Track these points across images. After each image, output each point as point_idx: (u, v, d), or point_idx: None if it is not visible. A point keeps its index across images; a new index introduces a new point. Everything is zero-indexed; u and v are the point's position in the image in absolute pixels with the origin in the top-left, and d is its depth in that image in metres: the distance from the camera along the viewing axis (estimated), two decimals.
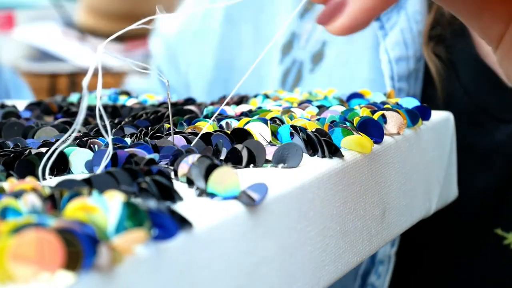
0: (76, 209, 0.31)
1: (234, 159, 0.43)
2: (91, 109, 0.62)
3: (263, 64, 0.76)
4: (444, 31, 0.70)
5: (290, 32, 0.76)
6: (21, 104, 0.65)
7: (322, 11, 0.41)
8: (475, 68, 0.68)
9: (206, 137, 0.46)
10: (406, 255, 0.69)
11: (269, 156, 0.44)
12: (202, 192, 0.38)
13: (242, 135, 0.47)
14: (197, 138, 0.46)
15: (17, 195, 0.32)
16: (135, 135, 0.49)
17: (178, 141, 0.47)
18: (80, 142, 0.46)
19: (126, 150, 0.43)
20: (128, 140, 0.48)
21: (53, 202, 0.32)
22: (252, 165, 0.43)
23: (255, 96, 0.64)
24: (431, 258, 0.70)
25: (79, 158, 0.44)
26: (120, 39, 2.03)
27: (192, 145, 0.46)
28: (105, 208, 0.30)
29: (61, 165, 0.44)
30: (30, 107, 0.64)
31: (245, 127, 0.48)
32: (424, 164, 0.55)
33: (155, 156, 0.44)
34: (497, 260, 0.67)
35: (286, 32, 0.76)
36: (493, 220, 0.66)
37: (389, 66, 0.65)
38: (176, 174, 0.41)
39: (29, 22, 2.35)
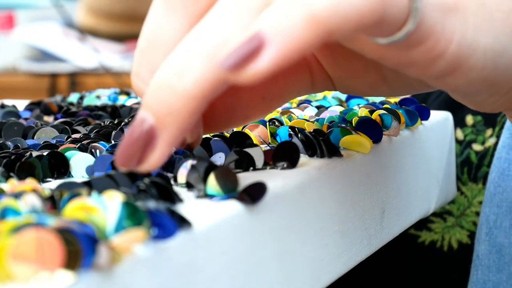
0: (75, 209, 0.31)
1: (234, 164, 0.43)
2: (91, 110, 0.62)
3: None
4: None
5: None
6: (21, 104, 0.65)
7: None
8: None
9: (205, 141, 0.46)
10: None
11: (268, 158, 0.44)
12: (201, 193, 0.38)
13: (241, 138, 0.47)
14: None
15: (17, 196, 0.33)
16: None
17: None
18: (81, 145, 0.46)
19: None
20: None
21: (53, 202, 0.33)
22: (251, 168, 0.43)
23: None
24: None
25: (80, 162, 0.44)
26: (120, 39, 2.03)
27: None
28: (104, 207, 0.30)
29: (62, 168, 0.44)
30: (30, 107, 0.64)
31: (244, 130, 0.48)
32: (423, 164, 0.55)
33: None
34: (415, 257, 0.73)
35: None
36: None
37: None
38: (175, 180, 0.41)
39: (29, 22, 2.35)
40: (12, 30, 2.33)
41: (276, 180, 0.40)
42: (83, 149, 0.46)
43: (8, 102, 0.67)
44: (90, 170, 0.44)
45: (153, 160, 0.35)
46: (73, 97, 0.69)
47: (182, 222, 0.33)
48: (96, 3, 2.15)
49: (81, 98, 0.69)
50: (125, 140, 0.35)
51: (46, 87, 2.17)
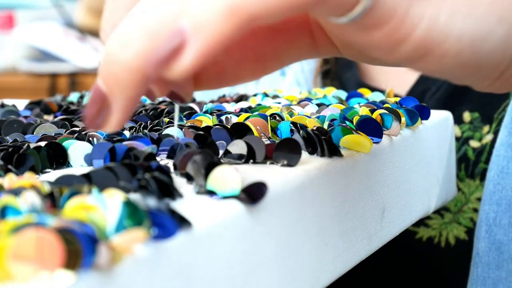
0: (75, 209, 0.31)
1: (234, 155, 0.43)
2: None
3: None
4: (332, 65, 0.80)
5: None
6: (20, 104, 0.65)
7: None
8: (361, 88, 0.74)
9: (206, 131, 0.46)
10: None
11: (268, 151, 0.44)
12: (202, 189, 0.38)
13: (241, 130, 0.47)
14: None
15: (17, 192, 0.33)
16: (134, 128, 0.49)
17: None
18: (79, 135, 0.46)
19: (125, 143, 0.43)
20: (127, 133, 0.48)
21: (53, 200, 0.33)
22: (251, 160, 0.43)
23: (255, 95, 0.64)
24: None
25: (78, 151, 0.44)
26: None
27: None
28: (104, 207, 0.30)
29: (60, 158, 0.44)
30: (29, 106, 0.64)
31: (245, 122, 0.48)
32: (423, 163, 0.55)
33: (154, 148, 0.44)
34: (412, 253, 0.74)
35: None
36: None
37: None
38: (175, 168, 0.41)
39: (29, 22, 2.35)
40: (12, 30, 2.33)
41: (276, 180, 0.40)
42: (80, 138, 0.46)
43: (8, 101, 0.67)
44: (88, 158, 0.44)
45: (113, 124, 0.37)
46: (73, 97, 0.69)
47: (182, 222, 0.33)
48: (96, 3, 2.15)
49: (81, 97, 0.69)
50: (88, 103, 0.38)
51: (46, 87, 2.17)
